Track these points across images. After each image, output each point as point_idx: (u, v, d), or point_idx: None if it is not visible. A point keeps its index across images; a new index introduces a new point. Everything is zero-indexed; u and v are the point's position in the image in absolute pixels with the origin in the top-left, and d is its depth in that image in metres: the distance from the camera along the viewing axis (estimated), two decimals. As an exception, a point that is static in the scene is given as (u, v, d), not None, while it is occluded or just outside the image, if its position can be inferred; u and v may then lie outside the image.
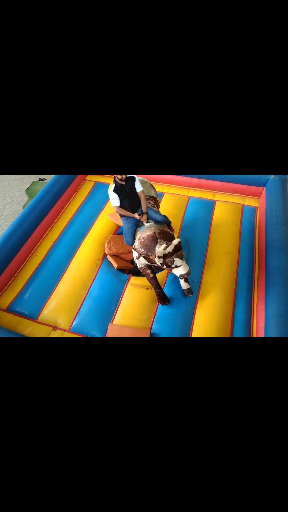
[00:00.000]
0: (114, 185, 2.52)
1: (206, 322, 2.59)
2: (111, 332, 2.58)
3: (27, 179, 5.90)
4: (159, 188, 4.01)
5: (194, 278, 2.93)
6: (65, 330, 2.68)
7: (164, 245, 2.31)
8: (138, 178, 2.89)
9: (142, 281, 2.97)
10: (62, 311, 2.79)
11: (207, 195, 3.86)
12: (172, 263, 2.32)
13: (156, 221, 2.66)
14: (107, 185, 4.15)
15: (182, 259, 2.33)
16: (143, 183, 2.97)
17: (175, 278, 2.94)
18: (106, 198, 3.92)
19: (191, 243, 3.26)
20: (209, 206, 3.71)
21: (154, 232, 2.44)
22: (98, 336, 2.61)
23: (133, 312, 2.73)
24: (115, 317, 2.74)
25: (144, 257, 2.56)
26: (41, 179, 5.89)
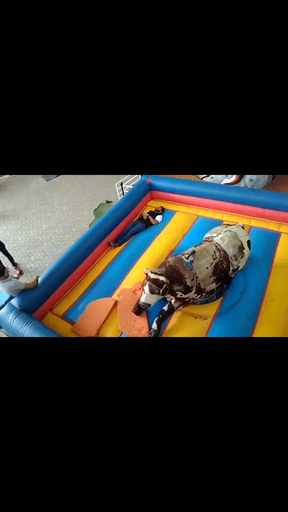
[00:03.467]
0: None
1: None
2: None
3: (96, 201, 6.55)
4: (193, 210, 4.27)
5: (249, 314, 2.70)
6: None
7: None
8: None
9: (194, 309, 2.88)
10: (110, 325, 2.88)
11: (271, 226, 3.64)
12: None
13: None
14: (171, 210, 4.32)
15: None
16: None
17: (226, 313, 2.76)
18: (162, 227, 4.06)
19: (248, 275, 3.05)
20: (273, 237, 3.46)
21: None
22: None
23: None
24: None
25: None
26: (108, 201, 6.47)
